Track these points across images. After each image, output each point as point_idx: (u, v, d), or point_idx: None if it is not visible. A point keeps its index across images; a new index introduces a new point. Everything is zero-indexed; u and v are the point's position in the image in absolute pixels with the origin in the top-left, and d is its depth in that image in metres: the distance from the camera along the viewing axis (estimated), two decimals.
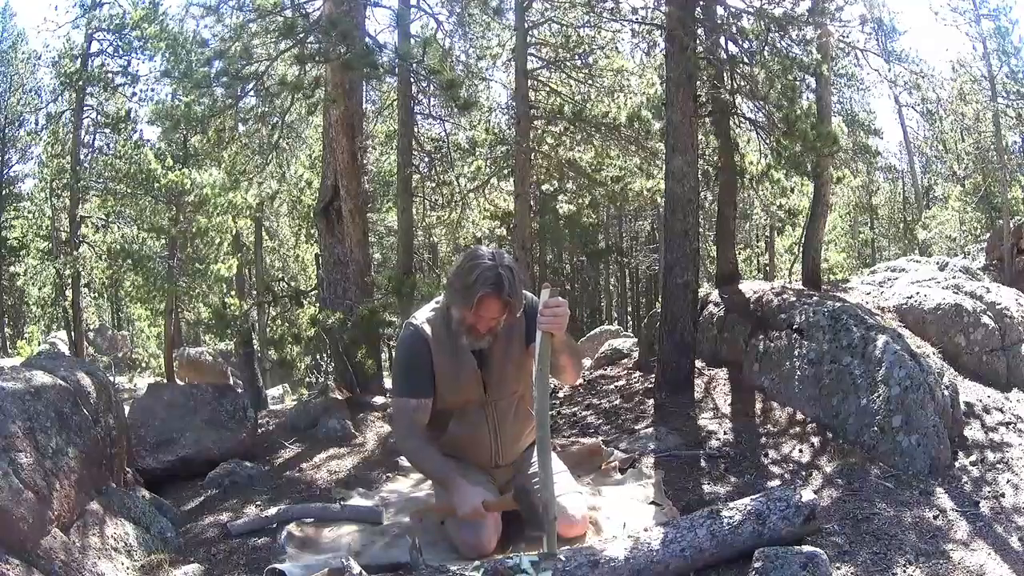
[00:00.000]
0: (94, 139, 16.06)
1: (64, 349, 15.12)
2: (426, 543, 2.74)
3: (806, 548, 2.34)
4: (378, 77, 6.71)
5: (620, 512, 3.01)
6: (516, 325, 2.75)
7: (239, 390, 6.29)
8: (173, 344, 13.24)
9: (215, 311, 6.83)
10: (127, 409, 4.08)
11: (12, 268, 18.02)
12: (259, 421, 5.24)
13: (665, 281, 5.08)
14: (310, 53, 5.58)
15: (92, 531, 2.70)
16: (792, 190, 7.30)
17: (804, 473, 3.47)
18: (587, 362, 7.57)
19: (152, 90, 14.56)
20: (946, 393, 3.78)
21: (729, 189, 6.36)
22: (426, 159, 9.55)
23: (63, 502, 2.57)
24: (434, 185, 9.55)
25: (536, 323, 2.47)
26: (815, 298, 4.86)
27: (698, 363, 5.23)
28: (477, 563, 2.25)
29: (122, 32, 14.37)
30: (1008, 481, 3.26)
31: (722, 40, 5.52)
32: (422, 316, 2.84)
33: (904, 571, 2.46)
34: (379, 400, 5.87)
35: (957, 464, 3.45)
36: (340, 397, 5.74)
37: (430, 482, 3.71)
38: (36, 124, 17.67)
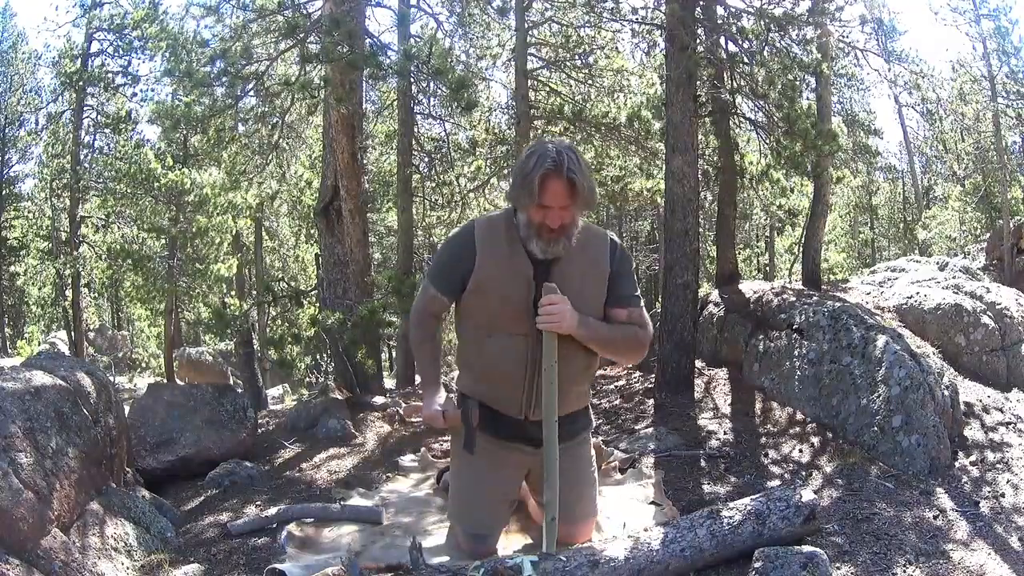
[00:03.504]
0: (94, 139, 16.06)
1: (64, 349, 15.13)
2: (426, 544, 2.74)
3: (806, 548, 2.34)
4: (383, 77, 6.71)
5: (620, 512, 3.01)
6: (599, 257, 2.46)
7: (239, 390, 6.29)
8: (173, 344, 13.25)
9: (215, 311, 6.82)
10: (127, 409, 4.08)
11: (12, 268, 18.02)
12: (259, 421, 5.24)
13: (665, 281, 5.08)
14: (313, 53, 5.57)
15: (92, 531, 2.70)
16: (792, 190, 7.30)
17: (804, 473, 3.47)
18: None
19: (152, 90, 14.59)
20: (946, 393, 3.78)
21: (729, 189, 6.37)
22: (426, 159, 9.57)
23: (63, 502, 2.56)
24: (434, 185, 9.56)
25: (536, 319, 2.32)
26: (815, 298, 4.86)
27: (698, 363, 5.24)
28: (477, 563, 2.25)
29: (122, 32, 14.38)
30: (1008, 481, 3.26)
31: (722, 40, 5.52)
32: (487, 214, 2.63)
33: (904, 571, 2.46)
34: (379, 400, 5.87)
35: (957, 464, 3.45)
36: (340, 397, 5.73)
37: (430, 482, 3.72)
38: (36, 124, 17.67)
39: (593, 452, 2.79)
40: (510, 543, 2.80)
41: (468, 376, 2.62)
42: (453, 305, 2.62)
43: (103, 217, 14.91)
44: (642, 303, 2.56)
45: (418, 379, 2.58)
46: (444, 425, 2.54)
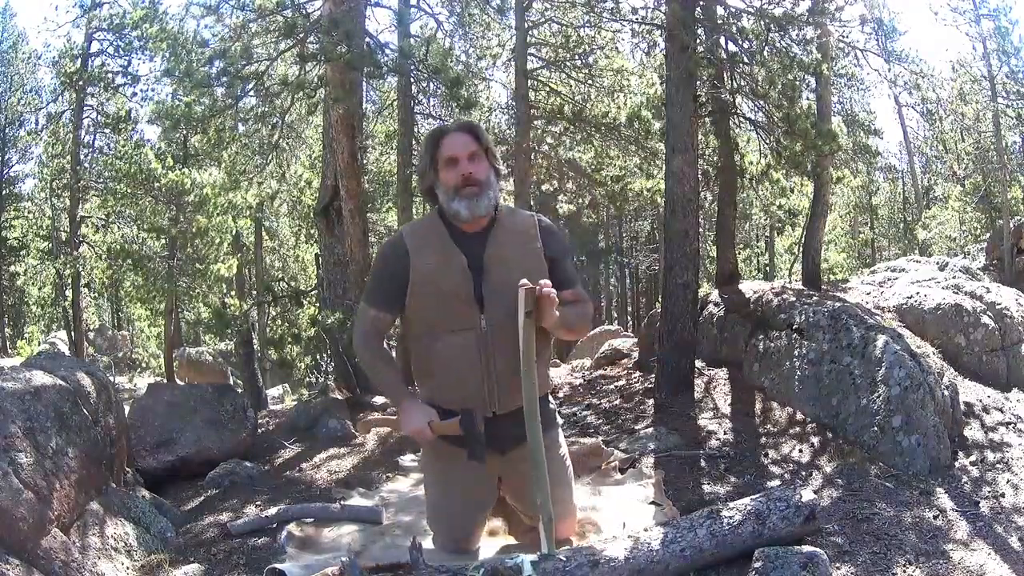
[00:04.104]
0: (94, 139, 16.07)
1: (64, 349, 15.12)
2: (426, 544, 2.74)
3: (806, 548, 2.34)
4: (380, 76, 6.71)
5: (620, 512, 3.01)
6: (530, 238, 2.44)
7: (239, 390, 6.30)
8: (173, 344, 13.25)
9: (215, 311, 6.84)
10: (127, 409, 4.08)
11: (12, 268, 18.02)
12: (259, 421, 5.24)
13: (665, 281, 5.08)
14: (312, 53, 5.58)
15: (92, 531, 2.70)
16: (792, 190, 7.30)
17: (804, 473, 3.47)
18: (587, 362, 7.58)
19: (152, 90, 14.62)
20: (946, 393, 3.78)
21: (729, 189, 6.36)
22: None
23: (63, 502, 2.56)
24: None
25: (523, 290, 2.22)
26: (815, 298, 4.86)
27: (698, 363, 5.23)
28: (477, 563, 2.25)
29: (122, 32, 14.40)
30: (1008, 481, 3.26)
31: (722, 40, 5.52)
32: (412, 222, 2.68)
33: (904, 571, 2.46)
34: (379, 400, 5.87)
35: (957, 464, 3.45)
36: (340, 397, 5.74)
37: None
38: (36, 124, 17.67)
39: (565, 450, 2.71)
40: (510, 542, 2.80)
41: (427, 387, 2.55)
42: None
43: (103, 217, 14.92)
44: (579, 279, 2.63)
45: (383, 396, 2.53)
46: (432, 438, 2.39)
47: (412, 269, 2.39)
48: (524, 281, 2.23)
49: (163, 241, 11.70)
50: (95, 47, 14.90)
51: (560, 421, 2.84)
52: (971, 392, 4.30)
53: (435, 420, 2.39)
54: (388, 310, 2.50)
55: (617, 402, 5.29)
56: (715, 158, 6.59)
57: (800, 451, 3.75)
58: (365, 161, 8.72)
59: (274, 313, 7.83)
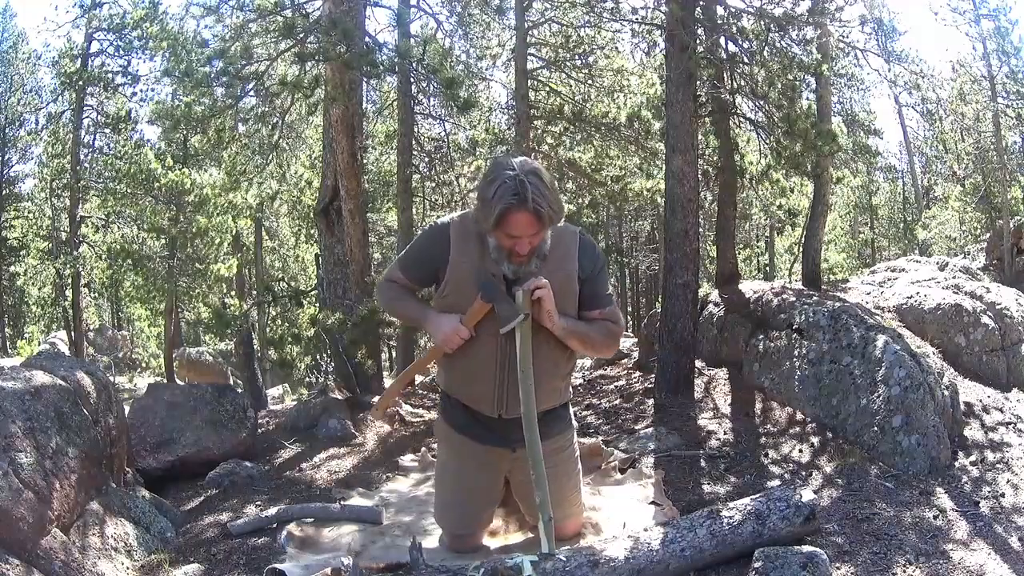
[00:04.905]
0: (94, 139, 16.09)
1: (64, 349, 15.10)
2: (426, 544, 2.74)
3: (806, 548, 2.34)
4: (378, 76, 6.71)
5: (620, 512, 3.01)
6: (567, 255, 2.46)
7: (239, 390, 6.28)
8: (173, 344, 13.26)
9: (215, 311, 6.84)
10: (127, 409, 4.08)
11: (12, 268, 18.03)
12: (259, 421, 5.24)
13: (665, 281, 5.08)
14: (310, 52, 5.57)
15: (92, 531, 2.70)
16: (792, 190, 7.30)
17: (804, 473, 3.47)
18: (587, 362, 7.58)
19: (152, 90, 14.66)
20: (946, 393, 3.77)
21: (729, 189, 6.36)
22: (426, 159, 9.58)
23: (63, 502, 2.56)
24: (434, 185, 9.57)
25: (521, 287, 2.31)
26: (815, 298, 4.86)
27: (698, 363, 5.23)
28: (477, 563, 2.25)
29: (122, 32, 14.42)
30: (1008, 481, 3.26)
31: (722, 40, 5.52)
32: (460, 212, 2.63)
33: (904, 571, 2.46)
34: (377, 399, 5.86)
35: (957, 464, 3.45)
36: (340, 397, 5.73)
37: (429, 483, 3.72)
38: (36, 124, 17.69)
39: (577, 456, 2.76)
40: (510, 541, 2.80)
41: (445, 376, 2.65)
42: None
43: (103, 217, 14.95)
44: (614, 299, 2.63)
45: (410, 323, 2.68)
46: (467, 333, 2.39)
47: (450, 264, 2.45)
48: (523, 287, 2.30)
49: (163, 241, 11.72)
50: (95, 47, 14.94)
51: (576, 425, 2.86)
52: (971, 392, 4.30)
53: (463, 314, 2.41)
54: (413, 281, 2.62)
55: (617, 402, 5.29)
56: (715, 158, 6.59)
57: (800, 451, 3.75)
58: (365, 161, 8.72)
59: (274, 313, 7.83)
